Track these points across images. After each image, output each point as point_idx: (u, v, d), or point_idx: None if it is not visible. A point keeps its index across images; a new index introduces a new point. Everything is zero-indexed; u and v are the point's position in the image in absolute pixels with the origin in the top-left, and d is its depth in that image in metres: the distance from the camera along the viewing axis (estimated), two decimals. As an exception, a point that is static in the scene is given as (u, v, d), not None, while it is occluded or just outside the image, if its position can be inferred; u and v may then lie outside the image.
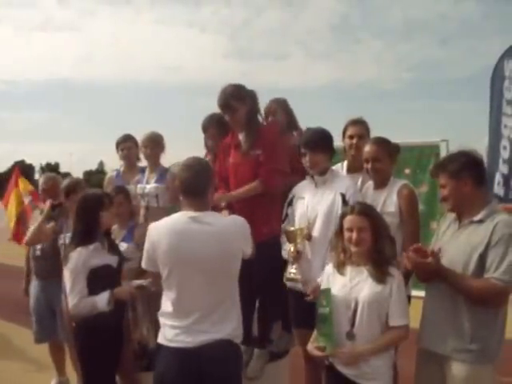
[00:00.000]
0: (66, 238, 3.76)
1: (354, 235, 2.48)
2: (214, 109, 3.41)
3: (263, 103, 3.64)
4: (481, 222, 2.42)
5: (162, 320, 2.47)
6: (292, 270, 3.01)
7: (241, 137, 3.29)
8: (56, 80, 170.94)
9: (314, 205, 3.05)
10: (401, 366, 2.80)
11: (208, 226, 2.41)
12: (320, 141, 3.06)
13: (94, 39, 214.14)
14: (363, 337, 2.44)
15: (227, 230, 2.46)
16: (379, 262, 2.48)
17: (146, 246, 2.48)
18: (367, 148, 3.08)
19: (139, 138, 4.10)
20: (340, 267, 2.57)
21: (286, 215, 3.19)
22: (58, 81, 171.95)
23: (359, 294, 2.45)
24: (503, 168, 4.98)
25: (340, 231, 2.58)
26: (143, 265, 2.53)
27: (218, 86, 3.28)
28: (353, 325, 2.45)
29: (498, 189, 4.94)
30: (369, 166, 3.07)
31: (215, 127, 3.58)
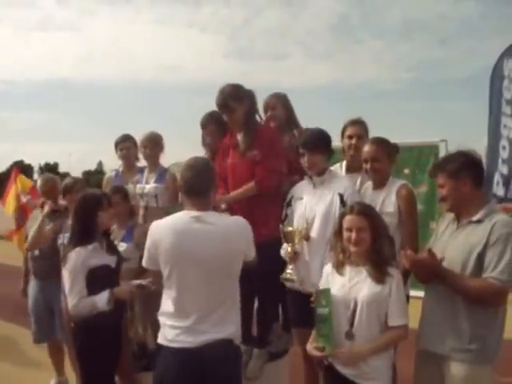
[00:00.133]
0: (64, 238, 3.76)
1: (354, 235, 2.48)
2: (214, 109, 3.41)
3: (262, 103, 3.64)
4: (479, 221, 2.42)
5: (161, 320, 2.46)
6: (288, 271, 3.03)
7: (239, 137, 3.29)
8: (55, 80, 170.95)
9: (312, 205, 3.06)
10: (399, 367, 2.80)
11: (210, 226, 2.41)
12: (318, 141, 3.06)
13: (94, 39, 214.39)
14: (362, 337, 2.44)
15: (229, 231, 2.46)
16: (378, 262, 2.48)
17: (148, 244, 2.47)
18: (366, 148, 3.09)
19: (138, 138, 4.10)
20: (339, 267, 2.57)
21: (286, 216, 3.19)
22: (58, 81, 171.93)
23: (358, 294, 2.45)
24: (502, 168, 4.98)
25: (339, 231, 2.58)
26: (144, 263, 2.52)
27: (217, 85, 3.29)
28: (352, 325, 2.45)
29: (497, 189, 4.94)
30: (368, 166, 3.07)
31: (215, 124, 3.56)
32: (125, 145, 4.19)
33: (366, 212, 2.53)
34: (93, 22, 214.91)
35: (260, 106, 3.51)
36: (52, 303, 4.06)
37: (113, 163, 4.50)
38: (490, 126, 5.19)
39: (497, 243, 2.32)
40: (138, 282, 2.99)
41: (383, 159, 3.05)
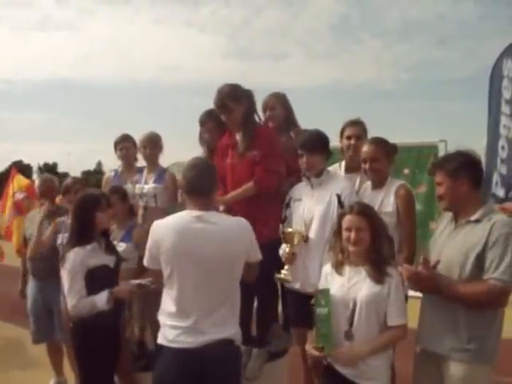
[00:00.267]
0: (64, 238, 3.75)
1: (353, 235, 2.48)
2: (213, 108, 3.40)
3: (261, 103, 3.63)
4: (477, 221, 2.42)
5: (162, 320, 2.45)
6: (284, 271, 3.05)
7: (238, 137, 3.28)
8: (55, 80, 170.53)
9: (310, 206, 3.07)
10: (398, 366, 2.80)
11: (212, 226, 2.40)
12: (317, 143, 3.08)
13: (93, 39, 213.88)
14: (361, 337, 2.44)
15: (231, 231, 2.45)
16: (377, 262, 2.48)
17: (149, 243, 2.47)
18: (365, 148, 3.09)
19: (137, 138, 4.10)
20: (338, 267, 2.57)
21: (285, 217, 3.21)
22: (57, 81, 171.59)
23: (357, 294, 2.45)
24: (501, 168, 4.99)
25: (338, 231, 2.58)
26: (145, 262, 2.52)
27: (217, 85, 3.28)
28: (351, 325, 2.45)
29: (496, 188, 4.95)
30: (366, 166, 3.07)
31: (213, 122, 3.54)
32: (124, 145, 4.18)
33: (366, 212, 2.53)
34: (92, 22, 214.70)
35: (259, 105, 3.51)
36: (51, 303, 4.05)
37: (112, 163, 4.50)
38: (490, 126, 5.20)
39: (497, 244, 2.31)
40: (137, 281, 2.98)
41: (382, 159, 3.06)
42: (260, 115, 3.48)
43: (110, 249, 3.12)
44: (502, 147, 5.02)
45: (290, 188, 3.27)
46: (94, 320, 2.85)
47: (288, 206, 3.20)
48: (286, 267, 3.05)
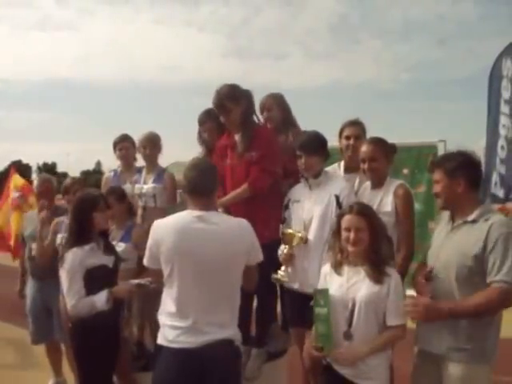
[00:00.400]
0: (63, 238, 3.75)
1: (352, 235, 2.48)
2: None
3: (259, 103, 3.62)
4: (474, 222, 2.42)
5: (161, 320, 2.45)
6: (281, 272, 3.06)
7: (237, 137, 3.28)
8: (54, 79, 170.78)
9: (309, 207, 3.08)
10: (397, 366, 2.80)
11: (213, 226, 2.40)
12: (315, 144, 3.09)
13: (93, 39, 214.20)
14: (360, 337, 2.44)
15: (231, 232, 2.45)
16: (376, 262, 2.48)
17: (150, 243, 2.47)
18: (363, 148, 3.10)
19: (136, 137, 4.09)
20: (337, 267, 2.57)
21: (284, 219, 3.21)
22: (57, 80, 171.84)
23: (356, 294, 2.45)
24: (500, 168, 4.98)
25: (337, 231, 2.58)
26: (145, 262, 2.51)
27: (216, 85, 3.28)
28: (350, 325, 2.45)
29: (495, 189, 4.94)
30: (365, 165, 3.08)
31: (213, 121, 3.53)
32: (123, 145, 4.18)
33: (365, 212, 2.53)
34: (92, 22, 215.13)
35: (258, 106, 3.51)
36: (50, 303, 4.04)
37: (111, 163, 4.50)
38: (489, 126, 5.19)
39: (497, 246, 2.30)
40: (136, 281, 2.98)
41: (380, 159, 3.06)
42: (259, 116, 3.47)
43: (109, 249, 3.12)
44: (502, 147, 5.01)
45: (288, 189, 3.28)
46: (93, 320, 2.85)
47: (287, 207, 3.21)
48: (282, 268, 3.06)
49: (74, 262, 2.88)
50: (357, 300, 2.44)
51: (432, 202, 4.80)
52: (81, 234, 2.99)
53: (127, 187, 3.90)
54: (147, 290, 2.94)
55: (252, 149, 3.19)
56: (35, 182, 4.48)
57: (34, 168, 67.79)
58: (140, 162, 4.15)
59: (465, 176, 2.44)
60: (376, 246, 2.49)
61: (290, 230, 3.06)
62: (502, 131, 5.01)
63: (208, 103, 3.37)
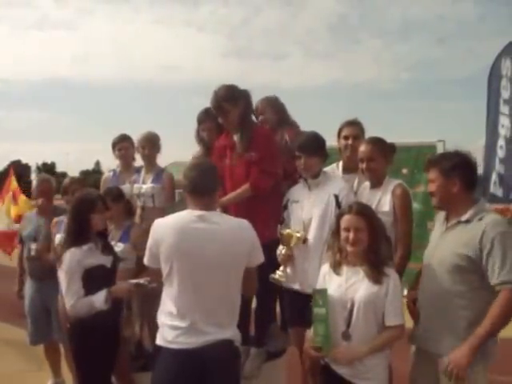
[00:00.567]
0: (62, 238, 3.74)
1: (351, 235, 2.48)
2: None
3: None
4: (468, 222, 2.42)
5: (161, 320, 2.44)
6: (279, 272, 3.06)
7: (235, 138, 3.27)
8: (53, 79, 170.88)
9: (308, 208, 3.08)
10: (395, 366, 2.79)
11: (214, 226, 2.39)
12: (314, 144, 3.10)
13: (92, 38, 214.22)
14: (359, 337, 2.44)
15: (233, 232, 2.44)
16: (375, 263, 2.48)
17: (150, 242, 2.46)
18: (362, 147, 3.10)
19: (135, 137, 4.09)
20: (336, 267, 2.57)
21: (283, 219, 3.21)
22: (56, 80, 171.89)
23: (355, 295, 2.45)
24: (500, 167, 4.98)
25: (337, 231, 2.58)
26: (145, 261, 2.50)
27: (215, 85, 3.28)
28: (349, 325, 2.45)
29: (495, 188, 4.94)
30: (363, 165, 3.08)
31: (212, 121, 3.52)
32: (122, 145, 4.17)
33: (364, 212, 2.53)
34: (91, 22, 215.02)
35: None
36: (48, 304, 4.03)
37: (110, 163, 4.50)
38: (488, 126, 5.20)
39: (494, 247, 2.29)
40: (135, 280, 2.98)
41: (379, 159, 3.06)
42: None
43: (107, 249, 3.11)
44: (501, 147, 5.02)
45: (287, 190, 3.27)
46: (91, 320, 2.85)
47: (286, 207, 3.21)
48: (281, 268, 3.06)
49: (72, 262, 2.88)
50: (355, 300, 2.44)
51: (431, 202, 4.81)
52: (79, 234, 2.98)
53: (126, 187, 3.89)
54: (146, 289, 2.94)
55: (251, 149, 3.18)
56: (34, 182, 4.47)
57: (34, 168, 67.84)
58: (139, 161, 4.14)
59: (460, 176, 2.44)
60: (375, 246, 2.49)
61: (287, 231, 3.06)
62: (502, 131, 5.02)
63: (207, 103, 3.36)
